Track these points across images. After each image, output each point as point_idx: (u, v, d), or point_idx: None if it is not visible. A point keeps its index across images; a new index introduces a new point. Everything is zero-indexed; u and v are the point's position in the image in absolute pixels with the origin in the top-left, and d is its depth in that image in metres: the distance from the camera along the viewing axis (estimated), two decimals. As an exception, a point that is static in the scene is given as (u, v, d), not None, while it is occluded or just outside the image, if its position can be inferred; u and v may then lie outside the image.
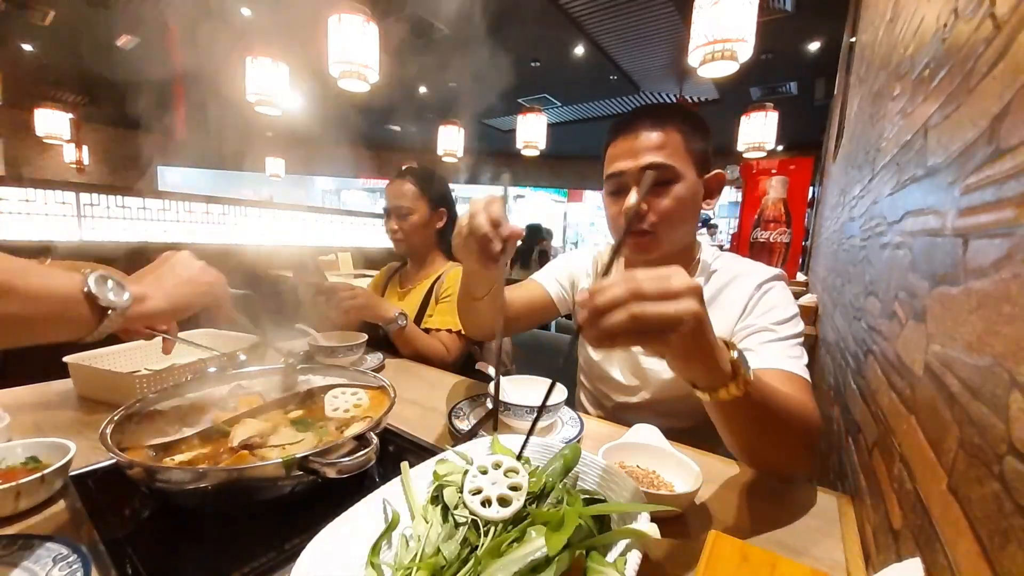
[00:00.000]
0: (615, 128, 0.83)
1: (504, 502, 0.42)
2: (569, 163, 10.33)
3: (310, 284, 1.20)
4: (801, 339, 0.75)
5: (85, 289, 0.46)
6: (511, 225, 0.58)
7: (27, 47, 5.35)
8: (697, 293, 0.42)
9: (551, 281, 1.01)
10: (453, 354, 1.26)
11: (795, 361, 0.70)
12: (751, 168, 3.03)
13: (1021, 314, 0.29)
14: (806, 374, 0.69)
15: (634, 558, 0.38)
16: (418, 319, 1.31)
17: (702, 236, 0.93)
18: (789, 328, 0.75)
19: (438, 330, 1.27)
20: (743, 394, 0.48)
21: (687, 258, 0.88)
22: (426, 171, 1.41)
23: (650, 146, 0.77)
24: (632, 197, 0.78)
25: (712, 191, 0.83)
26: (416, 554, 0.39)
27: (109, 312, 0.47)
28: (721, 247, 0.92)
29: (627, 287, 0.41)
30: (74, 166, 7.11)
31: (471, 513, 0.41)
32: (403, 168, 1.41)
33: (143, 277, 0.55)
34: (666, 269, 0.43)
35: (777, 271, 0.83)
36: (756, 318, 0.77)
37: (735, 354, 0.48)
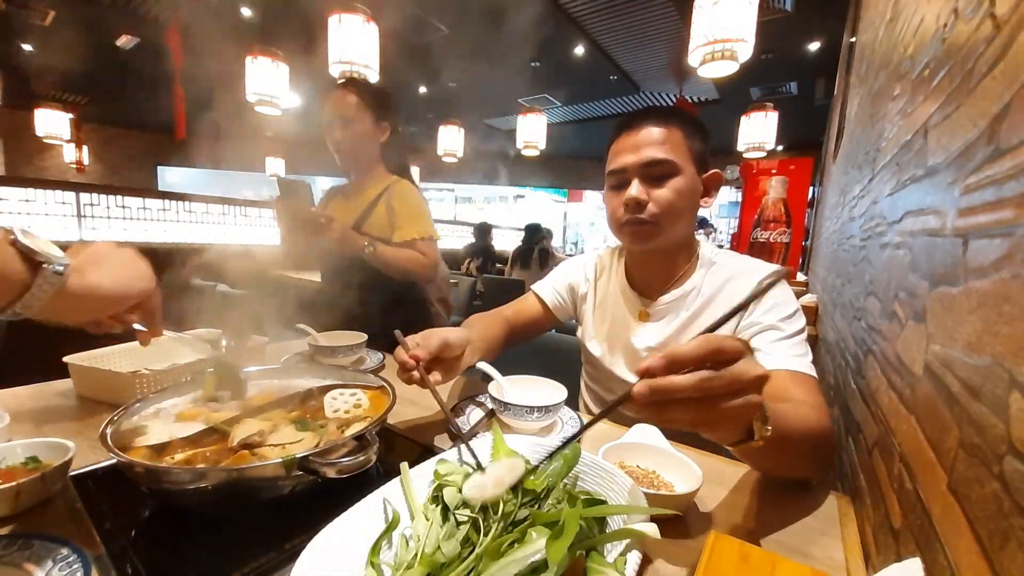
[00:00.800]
0: (619, 126, 0.86)
1: (500, 483, 0.43)
2: (569, 163, 10.33)
3: (293, 209, 1.19)
4: (804, 334, 0.77)
5: (11, 238, 0.38)
6: (424, 351, 0.67)
7: (27, 47, 5.35)
8: (763, 383, 0.40)
9: (548, 291, 1.04)
10: (432, 257, 1.35)
11: (801, 360, 0.72)
12: (751, 168, 3.02)
13: (1021, 314, 0.29)
14: (813, 371, 0.71)
15: (634, 558, 0.38)
16: (358, 226, 1.35)
17: (699, 236, 0.94)
18: (793, 324, 0.76)
19: (413, 240, 1.33)
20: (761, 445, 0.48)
21: (687, 253, 0.89)
22: (369, 83, 1.46)
23: (652, 141, 0.80)
24: (633, 189, 0.80)
25: (710, 189, 0.86)
26: (416, 553, 0.39)
27: (45, 266, 0.39)
28: (721, 247, 0.93)
29: (700, 384, 0.37)
30: (74, 166, 7.11)
31: (468, 501, 0.41)
32: (344, 79, 1.44)
33: (75, 254, 0.46)
34: (743, 344, 0.39)
35: (777, 267, 0.84)
36: (760, 315, 0.78)
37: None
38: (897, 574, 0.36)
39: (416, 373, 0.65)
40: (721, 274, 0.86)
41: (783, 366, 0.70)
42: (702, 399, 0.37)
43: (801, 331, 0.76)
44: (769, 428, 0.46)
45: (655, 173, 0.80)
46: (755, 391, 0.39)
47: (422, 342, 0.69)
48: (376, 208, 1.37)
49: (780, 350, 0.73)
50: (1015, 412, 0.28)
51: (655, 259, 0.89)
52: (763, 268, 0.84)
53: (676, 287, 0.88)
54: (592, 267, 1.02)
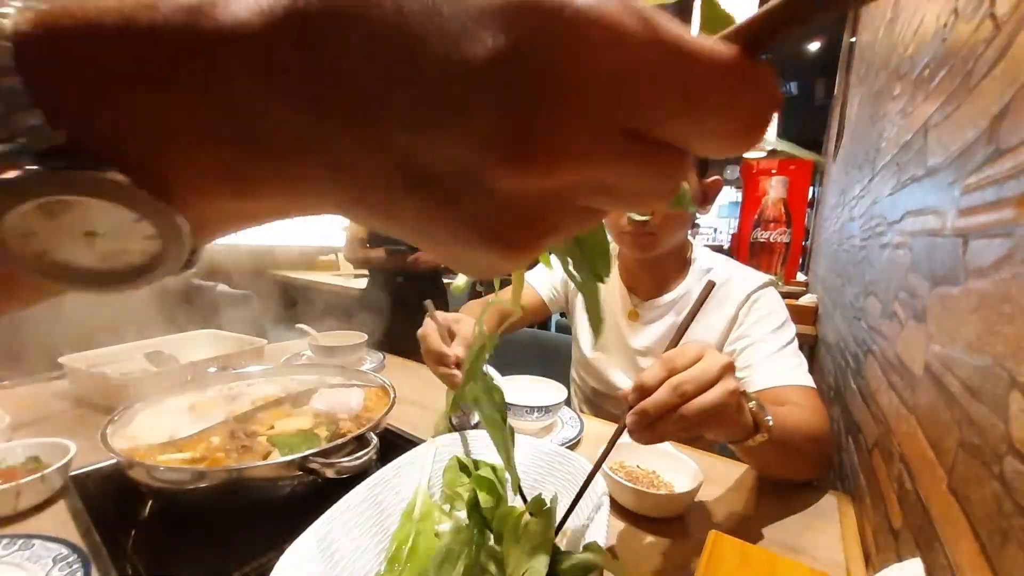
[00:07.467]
0: None
1: None
2: (569, 163, 10.33)
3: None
4: (795, 343, 0.76)
5: None
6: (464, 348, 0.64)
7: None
8: (731, 369, 0.44)
9: (542, 283, 1.03)
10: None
11: (797, 371, 0.72)
12: (751, 168, 3.02)
13: (1021, 314, 0.29)
14: (809, 380, 0.71)
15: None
16: None
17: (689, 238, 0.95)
18: (785, 335, 0.76)
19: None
20: (767, 439, 0.50)
21: (681, 257, 0.89)
22: None
23: None
24: None
25: (708, 196, 0.85)
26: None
27: None
28: (721, 248, 0.93)
29: (673, 392, 0.41)
30: (74, 166, 7.11)
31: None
32: None
33: None
34: (696, 348, 0.44)
35: (768, 277, 0.84)
36: (750, 327, 0.78)
37: (753, 404, 0.49)
38: (897, 574, 0.36)
39: (457, 374, 0.63)
40: (715, 279, 0.85)
41: (780, 382, 0.70)
42: (686, 411, 0.41)
43: (792, 340, 0.76)
44: (770, 417, 0.49)
45: None
46: (728, 377, 0.43)
47: (460, 334, 0.66)
48: None
49: (775, 365, 0.73)
50: (1015, 412, 0.28)
51: (649, 263, 0.89)
52: (754, 276, 0.84)
53: (668, 291, 0.88)
54: None
